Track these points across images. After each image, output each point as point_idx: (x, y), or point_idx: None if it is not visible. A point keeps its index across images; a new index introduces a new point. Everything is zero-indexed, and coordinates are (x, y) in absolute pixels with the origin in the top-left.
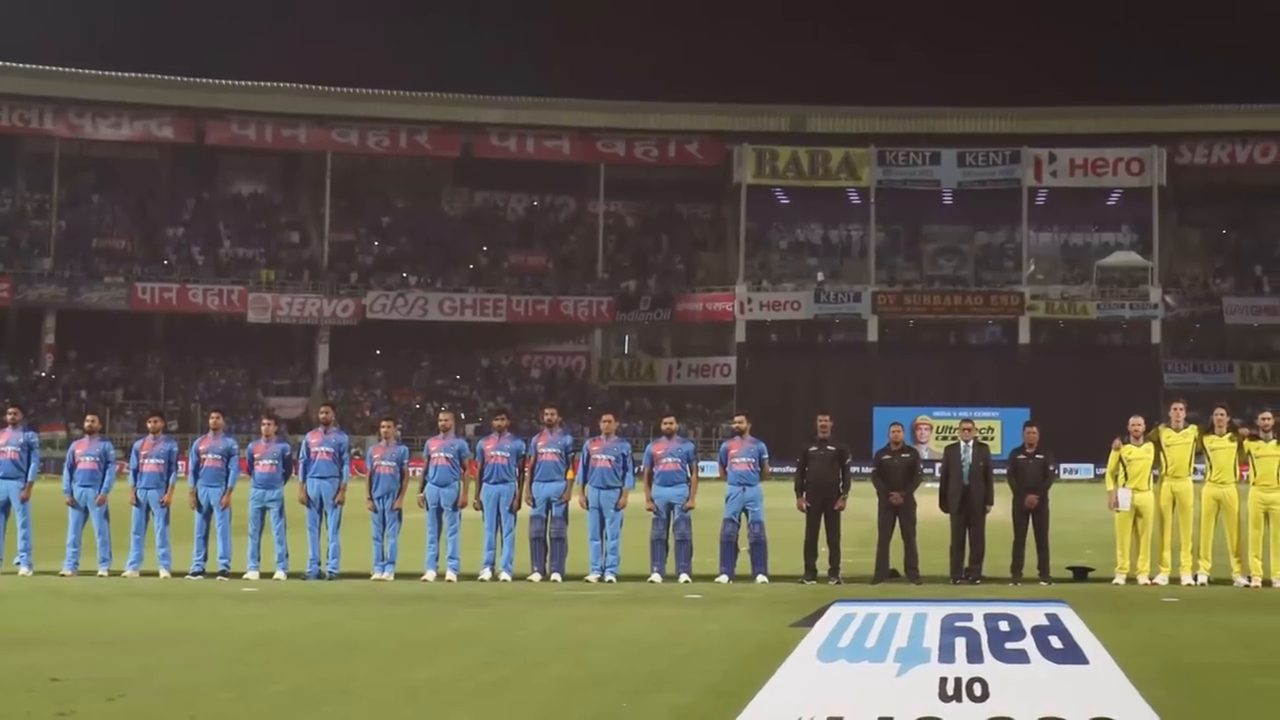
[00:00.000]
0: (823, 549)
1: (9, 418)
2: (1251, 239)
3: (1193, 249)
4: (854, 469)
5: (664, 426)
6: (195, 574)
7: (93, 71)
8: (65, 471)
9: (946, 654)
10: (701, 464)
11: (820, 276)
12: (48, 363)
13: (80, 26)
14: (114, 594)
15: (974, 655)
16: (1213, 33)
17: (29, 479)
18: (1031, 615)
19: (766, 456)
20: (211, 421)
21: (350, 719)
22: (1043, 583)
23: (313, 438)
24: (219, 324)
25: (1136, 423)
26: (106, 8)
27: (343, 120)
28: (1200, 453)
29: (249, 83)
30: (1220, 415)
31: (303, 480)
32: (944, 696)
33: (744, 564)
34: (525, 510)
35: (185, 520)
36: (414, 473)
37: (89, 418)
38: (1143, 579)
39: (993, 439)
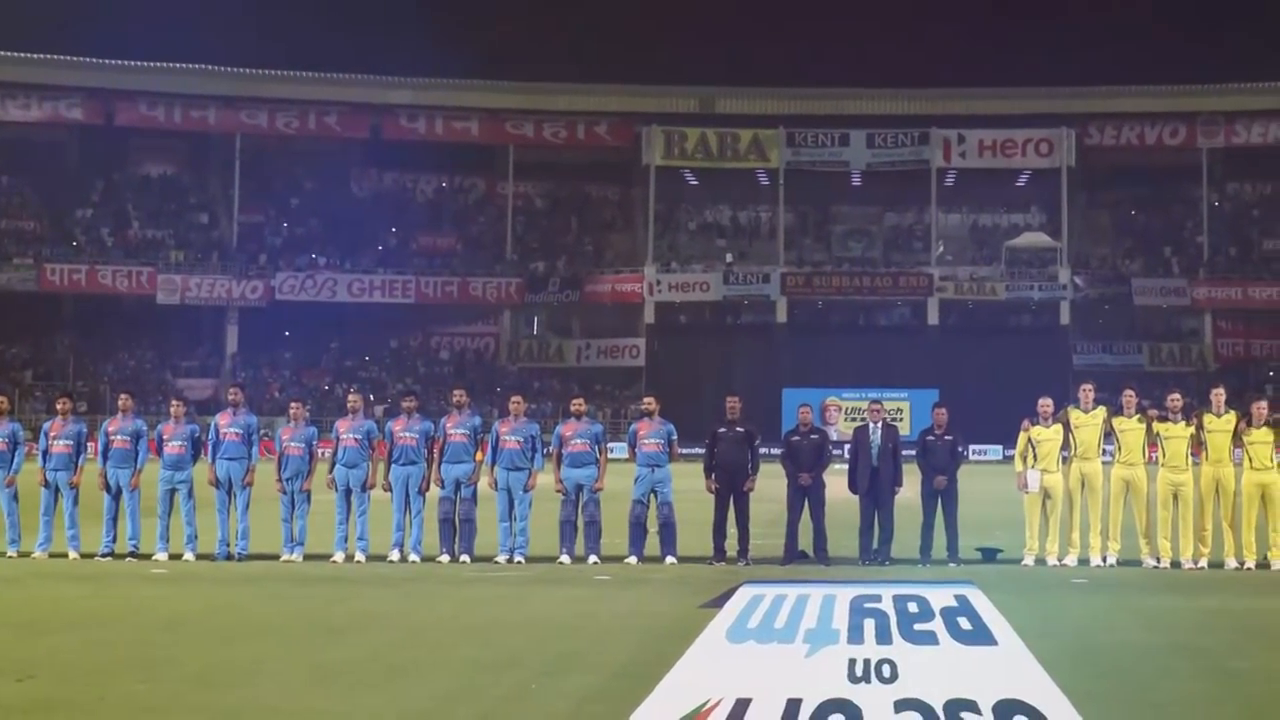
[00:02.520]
0: (731, 530)
1: None
2: (1160, 220)
3: (1102, 230)
4: (763, 450)
5: (573, 408)
6: (104, 555)
7: (1, 53)
8: None
9: (855, 635)
10: (610, 445)
11: (729, 258)
12: None
13: None
14: (23, 575)
15: (883, 636)
16: (1121, 14)
17: None
18: (940, 596)
19: (675, 438)
20: (120, 403)
21: (260, 700)
22: (952, 564)
23: (221, 419)
24: (128, 305)
25: (1045, 404)
26: None
27: (252, 101)
28: (1109, 434)
29: (158, 64)
30: (1129, 397)
31: (211, 462)
32: (853, 678)
33: (653, 545)
34: (434, 491)
35: (94, 501)
36: (323, 454)
37: None
38: (1052, 560)
39: (901, 420)
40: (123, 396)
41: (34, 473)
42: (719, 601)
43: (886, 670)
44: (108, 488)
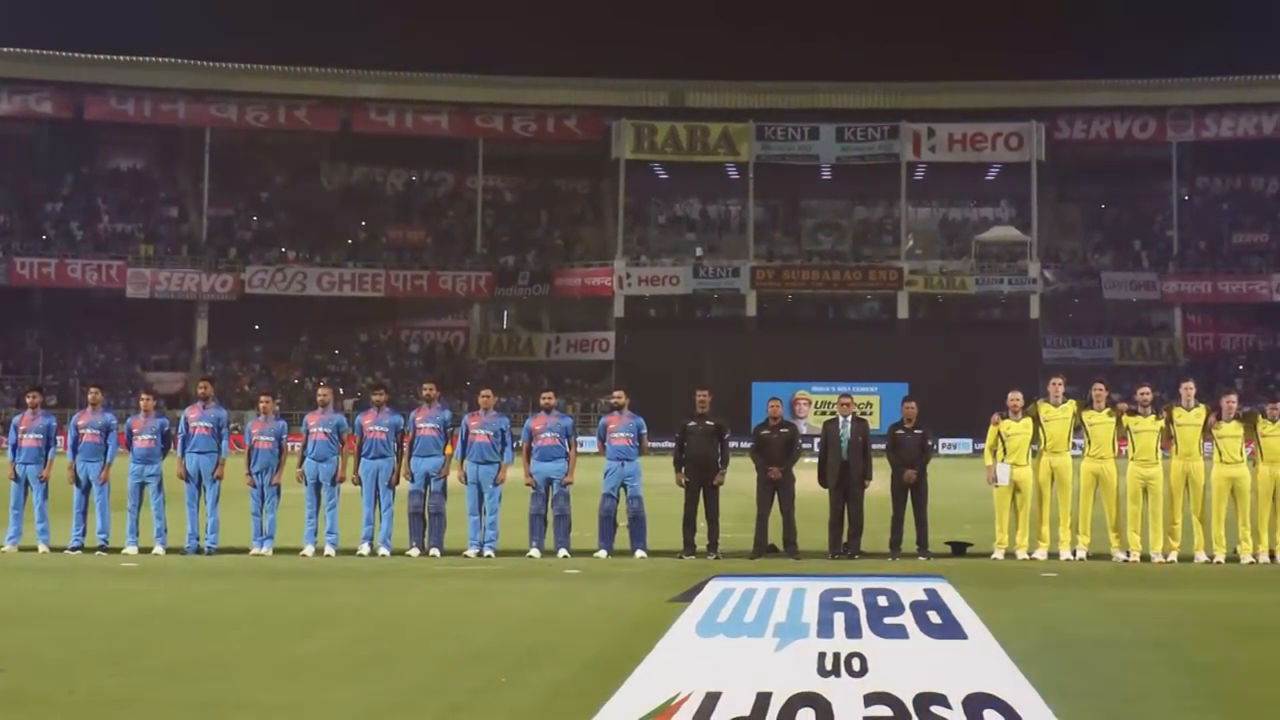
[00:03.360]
0: (701, 524)
1: None
2: (1130, 214)
3: (1071, 224)
4: (732, 444)
5: (542, 401)
6: (74, 549)
7: None
8: None
9: (825, 629)
10: (580, 439)
11: (699, 252)
12: None
13: None
14: None
15: (852, 630)
16: (1091, 7)
17: None
18: (910, 590)
19: (645, 432)
20: (90, 397)
21: (229, 694)
22: (921, 558)
23: (191, 413)
24: (98, 299)
25: (1015, 398)
26: None
27: (221, 95)
28: (1079, 428)
29: (128, 58)
30: (1099, 390)
31: (181, 455)
32: (822, 671)
33: (622, 539)
34: (404, 485)
35: (64, 495)
36: (292, 448)
37: None
38: (1021, 554)
39: (871, 414)
40: (92, 390)
41: (3, 466)
42: (689, 595)
43: (856, 664)
44: (77, 481)
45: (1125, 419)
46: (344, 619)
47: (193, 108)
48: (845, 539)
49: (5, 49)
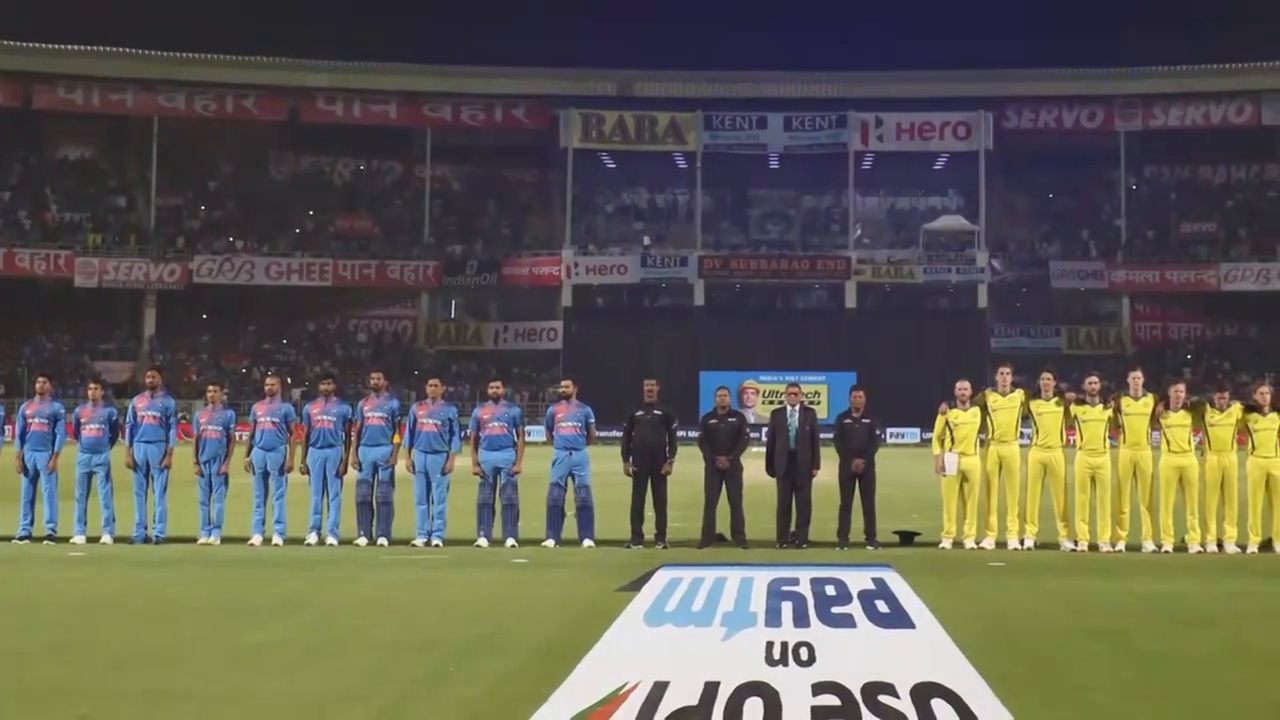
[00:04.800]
0: (649, 513)
1: None
2: (1078, 203)
3: (1019, 213)
4: (680, 433)
5: (490, 391)
6: (21, 538)
7: None
8: None
9: (773, 618)
10: (528, 428)
11: (646, 241)
12: None
13: None
14: None
15: (800, 619)
16: None
17: None
18: (858, 579)
19: (593, 421)
20: (38, 386)
21: (176, 684)
22: (869, 547)
23: (139, 402)
24: (46, 288)
25: (963, 387)
26: None
27: (169, 84)
28: (1026, 417)
29: (76, 47)
30: (1046, 380)
31: (129, 444)
32: (770, 660)
33: (570, 528)
34: (351, 474)
35: (12, 484)
36: (240, 437)
37: None
38: (969, 543)
39: (819, 403)
40: (40, 379)
41: None
42: (637, 584)
43: (804, 653)
44: (25, 470)
45: (1073, 408)
46: (291, 608)
47: (141, 97)
48: (793, 528)
49: None
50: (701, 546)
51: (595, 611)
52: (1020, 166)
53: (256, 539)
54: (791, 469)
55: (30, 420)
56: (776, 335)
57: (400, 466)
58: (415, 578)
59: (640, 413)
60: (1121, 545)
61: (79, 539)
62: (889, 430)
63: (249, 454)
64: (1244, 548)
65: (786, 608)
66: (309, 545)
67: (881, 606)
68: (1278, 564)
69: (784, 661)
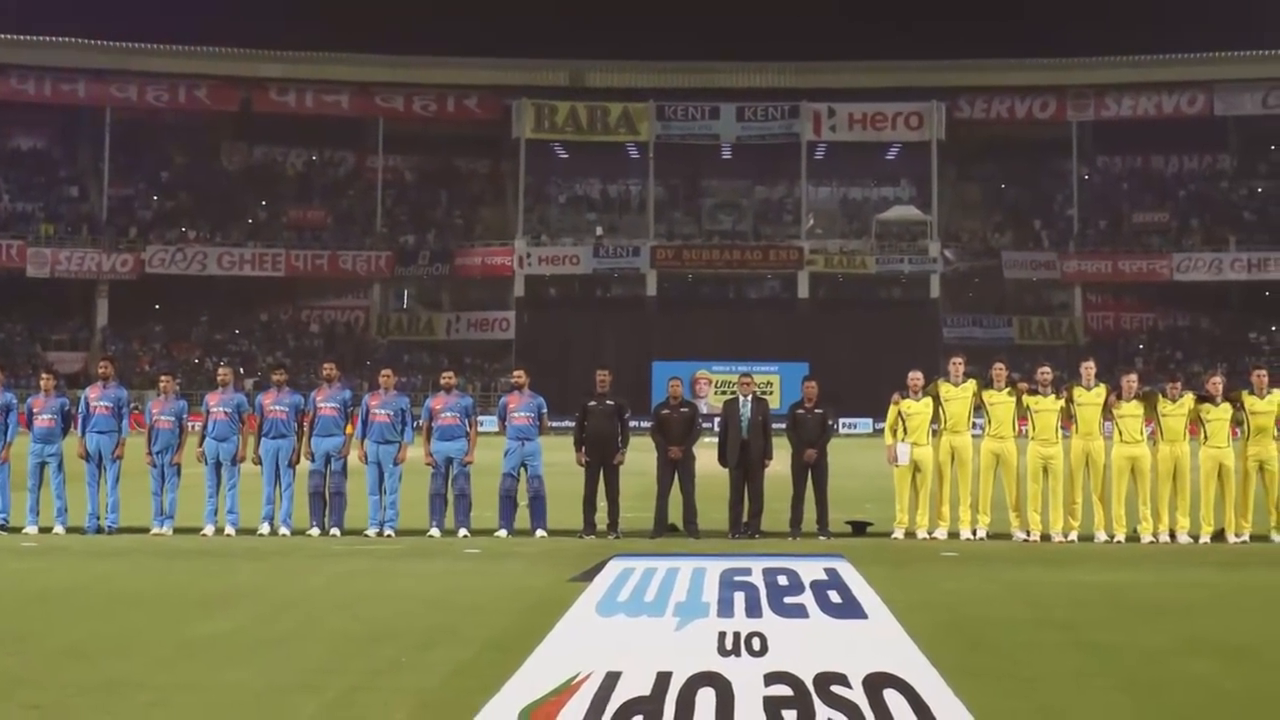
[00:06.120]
0: (601, 503)
1: None
2: (1030, 193)
3: (972, 203)
4: (633, 423)
5: (443, 381)
6: None
7: None
8: None
9: (725, 608)
10: (480, 418)
11: (599, 231)
12: None
13: None
14: None
15: (753, 610)
16: None
17: None
18: (810, 570)
19: (545, 411)
20: None
21: (129, 674)
22: (822, 537)
23: (92, 392)
24: None
25: (915, 377)
26: None
27: (122, 74)
28: (979, 407)
29: (28, 37)
30: (999, 370)
31: (82, 435)
32: (723, 651)
33: (523, 518)
34: (304, 465)
35: None
36: (193, 427)
37: None
38: (921, 533)
39: (772, 393)
40: None
41: None
42: (589, 575)
43: (756, 643)
44: None
45: (1025, 398)
46: (244, 599)
47: (93, 87)
48: (746, 518)
49: None
50: (654, 537)
51: (548, 602)
52: (972, 157)
53: (209, 529)
54: (744, 459)
55: None
56: (729, 325)
57: (353, 457)
58: (368, 568)
59: (593, 403)
60: (1074, 535)
61: (31, 530)
62: (841, 420)
63: (201, 444)
64: (1196, 538)
65: (739, 598)
66: (261, 536)
67: (834, 597)
68: (1230, 554)
69: (736, 652)
